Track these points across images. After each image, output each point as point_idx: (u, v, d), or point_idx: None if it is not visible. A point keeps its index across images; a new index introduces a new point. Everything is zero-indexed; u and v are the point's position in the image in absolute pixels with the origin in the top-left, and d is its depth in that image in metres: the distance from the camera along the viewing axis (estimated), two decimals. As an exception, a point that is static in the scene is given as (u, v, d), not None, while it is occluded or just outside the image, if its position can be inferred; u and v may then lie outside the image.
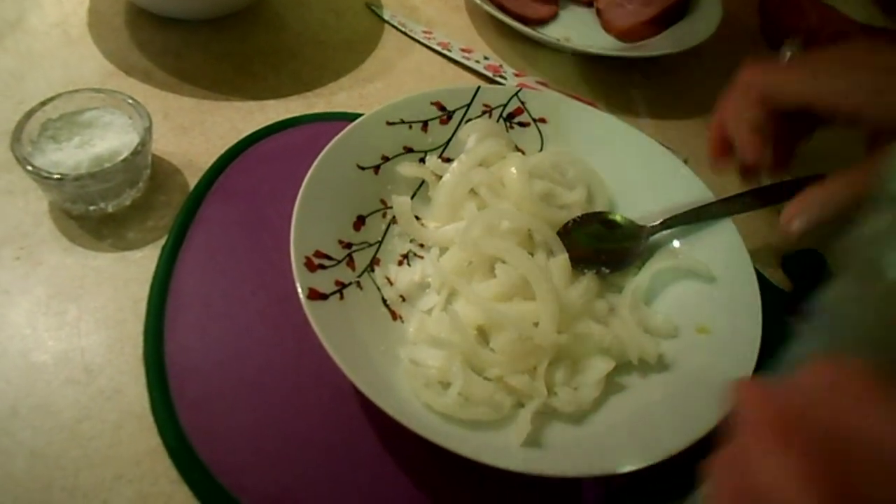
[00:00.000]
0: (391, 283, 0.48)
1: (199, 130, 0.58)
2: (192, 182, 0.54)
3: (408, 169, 0.52)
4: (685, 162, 0.60)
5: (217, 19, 0.67)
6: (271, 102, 0.61)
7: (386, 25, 0.71)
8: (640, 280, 0.49)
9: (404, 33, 0.70)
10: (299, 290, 0.41)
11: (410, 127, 0.53)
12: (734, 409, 0.26)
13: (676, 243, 0.52)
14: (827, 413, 0.23)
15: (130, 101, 0.51)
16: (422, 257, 0.50)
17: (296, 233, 0.44)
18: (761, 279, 0.49)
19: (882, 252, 0.26)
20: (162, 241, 0.50)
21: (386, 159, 0.52)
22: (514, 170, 0.50)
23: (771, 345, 0.44)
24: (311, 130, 0.58)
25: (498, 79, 0.66)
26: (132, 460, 0.41)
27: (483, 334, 0.45)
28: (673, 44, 0.69)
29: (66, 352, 0.45)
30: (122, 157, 0.49)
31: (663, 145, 0.56)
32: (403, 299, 0.47)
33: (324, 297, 0.42)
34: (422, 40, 0.69)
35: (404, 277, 0.48)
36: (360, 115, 0.58)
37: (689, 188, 0.53)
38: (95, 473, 0.40)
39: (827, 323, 0.29)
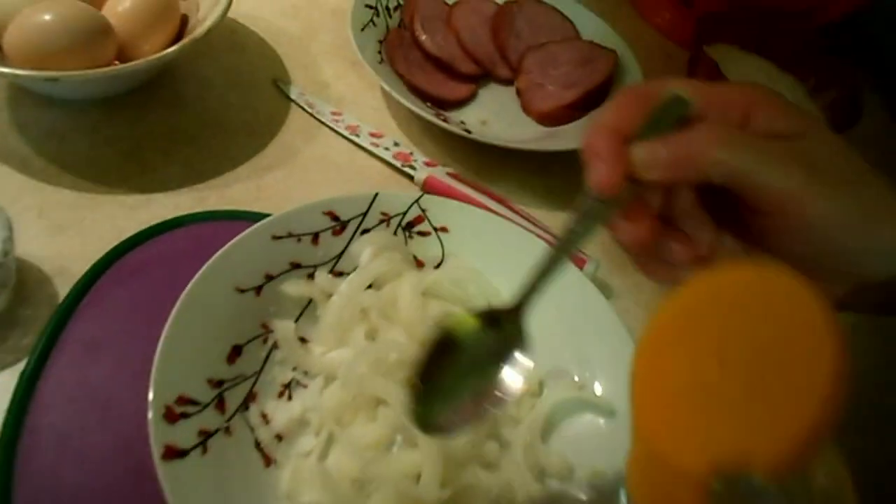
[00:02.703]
0: (267, 422, 0.44)
1: (77, 230, 0.53)
2: (63, 293, 0.50)
3: (294, 288, 0.48)
4: (596, 266, 0.58)
5: (109, 98, 0.62)
6: (159, 196, 0.57)
7: (292, 105, 0.67)
8: (538, 413, 0.47)
9: (311, 114, 0.66)
10: (153, 449, 0.38)
11: (299, 240, 0.49)
12: None
13: (576, 371, 0.49)
14: None
15: (-11, 207, 0.47)
16: (306, 386, 0.47)
17: (157, 378, 0.40)
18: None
19: None
20: (21, 366, 0.46)
21: (270, 278, 0.48)
22: (407, 291, 0.47)
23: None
24: (196, 232, 0.53)
25: (407, 169, 0.63)
26: None
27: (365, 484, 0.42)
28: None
29: None
30: (-25, 274, 0.44)
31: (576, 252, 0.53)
32: (280, 439, 0.44)
33: (182, 454, 0.39)
34: (329, 123, 0.65)
35: (282, 414, 0.44)
36: (253, 214, 0.55)
37: (594, 306, 0.51)
38: None
39: None
